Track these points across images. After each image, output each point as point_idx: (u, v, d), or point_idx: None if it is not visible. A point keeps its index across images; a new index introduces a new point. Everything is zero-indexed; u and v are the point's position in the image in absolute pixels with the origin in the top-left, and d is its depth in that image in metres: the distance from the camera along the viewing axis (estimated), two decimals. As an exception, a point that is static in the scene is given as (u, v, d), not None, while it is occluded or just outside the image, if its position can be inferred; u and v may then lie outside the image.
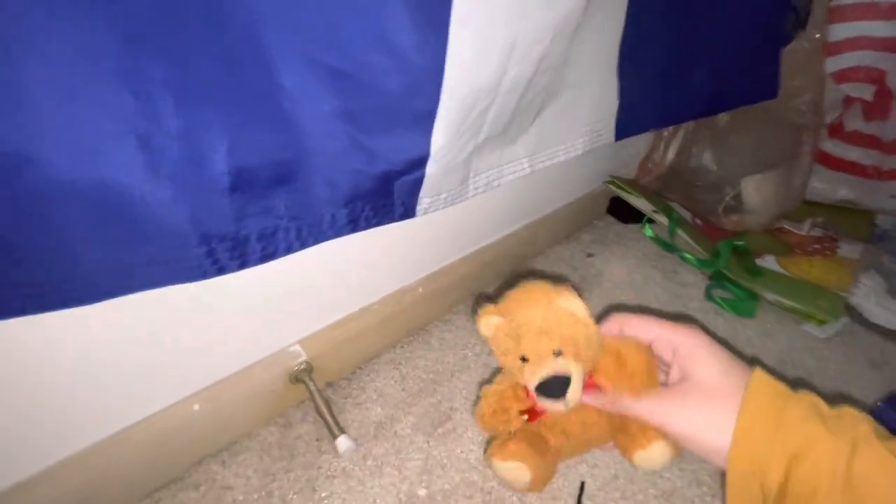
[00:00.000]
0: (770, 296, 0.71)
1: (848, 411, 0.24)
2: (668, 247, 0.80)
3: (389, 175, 0.39)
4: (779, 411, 0.23)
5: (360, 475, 0.42)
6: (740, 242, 0.78)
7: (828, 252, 0.81)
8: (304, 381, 0.46)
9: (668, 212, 0.81)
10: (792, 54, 0.77)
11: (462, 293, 0.64)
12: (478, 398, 0.32)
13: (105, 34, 0.23)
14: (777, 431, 0.23)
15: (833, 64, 0.79)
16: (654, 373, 0.29)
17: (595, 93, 0.58)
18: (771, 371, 0.26)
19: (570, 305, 0.29)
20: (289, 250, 0.37)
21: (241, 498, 0.40)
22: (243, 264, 0.34)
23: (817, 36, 0.78)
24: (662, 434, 0.28)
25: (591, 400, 0.29)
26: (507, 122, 0.47)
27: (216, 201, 0.30)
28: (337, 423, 0.43)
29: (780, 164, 0.84)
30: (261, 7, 0.27)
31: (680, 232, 0.79)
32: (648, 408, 0.27)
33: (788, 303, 0.69)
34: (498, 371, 0.32)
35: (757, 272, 0.74)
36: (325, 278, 0.46)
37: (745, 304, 0.70)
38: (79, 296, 0.28)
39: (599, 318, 0.30)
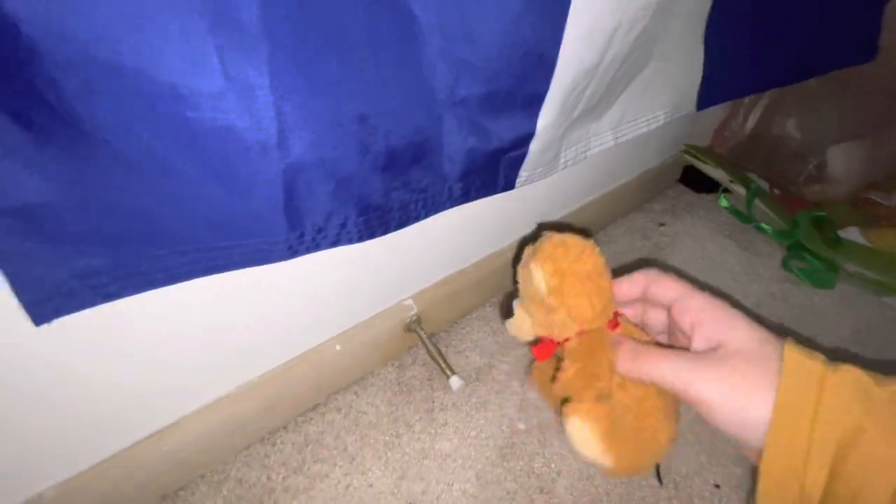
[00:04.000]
0: (851, 267, 0.70)
1: None
2: (744, 217, 0.81)
3: (498, 152, 0.44)
4: (818, 397, 0.20)
5: (468, 409, 0.50)
6: (821, 213, 0.77)
7: (918, 224, 0.78)
8: (415, 331, 0.53)
9: (745, 182, 0.81)
10: (893, 12, 0.73)
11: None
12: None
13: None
14: (816, 424, 0.20)
15: (943, 22, 0.74)
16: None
17: (679, 63, 0.59)
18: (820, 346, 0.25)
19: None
20: (417, 219, 0.43)
21: (374, 420, 0.49)
22: (386, 230, 0.41)
23: (927, -8, 0.72)
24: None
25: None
26: (599, 98, 0.50)
27: (374, 178, 0.37)
28: (449, 365, 0.51)
29: (871, 131, 0.81)
30: (416, 13, 0.33)
31: (757, 202, 0.79)
32: (674, 368, 0.24)
33: (871, 274, 0.69)
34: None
35: (838, 243, 0.74)
36: (432, 244, 0.52)
37: (823, 274, 0.71)
38: (272, 256, 0.36)
39: (631, 269, 0.30)
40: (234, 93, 0.26)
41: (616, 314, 0.29)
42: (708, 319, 0.24)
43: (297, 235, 0.35)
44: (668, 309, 0.27)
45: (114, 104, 0.24)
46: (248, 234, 0.33)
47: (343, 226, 0.37)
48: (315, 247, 0.37)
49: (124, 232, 0.29)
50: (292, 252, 0.36)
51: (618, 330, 0.29)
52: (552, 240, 0.30)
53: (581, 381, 0.27)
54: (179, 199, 0.29)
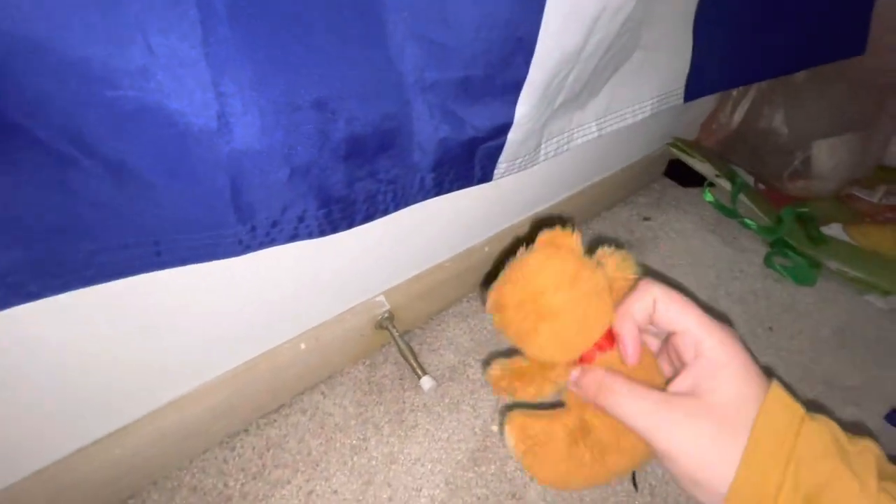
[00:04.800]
0: (833, 264, 0.70)
1: (868, 446, 0.21)
2: (729, 212, 0.80)
3: (474, 142, 0.42)
4: (793, 439, 0.20)
5: (439, 411, 0.48)
6: (805, 209, 0.76)
7: (900, 221, 0.78)
8: (387, 328, 0.51)
9: (731, 176, 0.80)
10: (884, 6, 0.72)
11: (523, 253, 0.67)
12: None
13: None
14: (789, 464, 0.19)
15: (934, 17, 0.73)
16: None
17: (668, 52, 0.57)
18: (788, 385, 0.21)
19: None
20: (385, 212, 0.40)
21: (341, 423, 0.47)
22: (351, 224, 0.38)
23: (919, -15, 0.71)
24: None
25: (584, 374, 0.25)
26: (583, 87, 0.48)
27: (335, 168, 0.34)
28: (420, 365, 0.48)
29: (858, 127, 0.80)
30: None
31: (742, 197, 0.78)
32: (642, 409, 0.22)
33: (852, 272, 0.69)
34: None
35: (821, 240, 0.73)
36: (405, 238, 0.50)
37: (805, 271, 0.70)
38: (221, 252, 0.33)
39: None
40: (160, 69, 0.23)
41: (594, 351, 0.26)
42: (702, 363, 0.22)
43: (248, 229, 0.32)
44: (670, 334, 0.24)
45: (18, 80, 0.21)
46: (194, 228, 0.30)
47: (301, 219, 0.34)
48: (270, 241, 0.34)
49: (45, 225, 0.26)
50: (244, 247, 0.33)
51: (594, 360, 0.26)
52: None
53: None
54: (108, 188, 0.26)
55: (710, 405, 0.21)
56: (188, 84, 0.24)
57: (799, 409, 0.21)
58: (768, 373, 0.22)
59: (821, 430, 0.20)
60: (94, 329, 0.33)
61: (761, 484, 0.19)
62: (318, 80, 0.30)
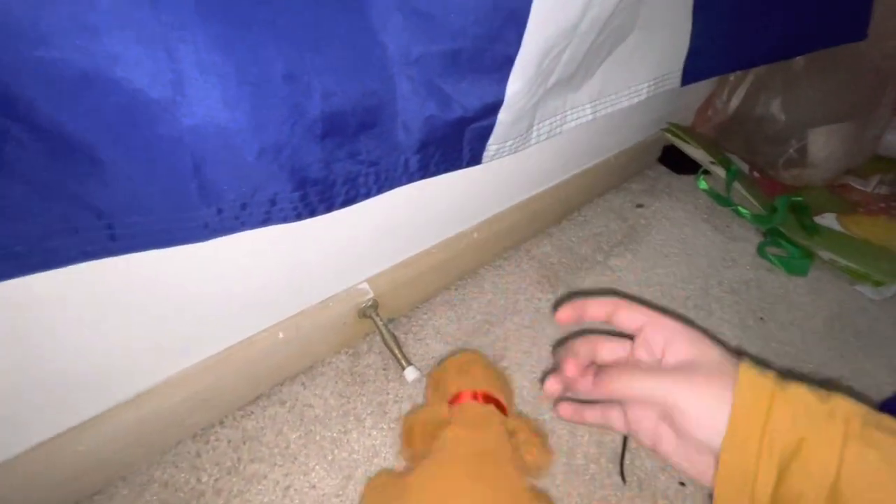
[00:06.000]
0: (826, 254, 0.69)
1: (840, 403, 0.23)
2: (723, 200, 0.78)
3: (462, 121, 0.39)
4: (767, 411, 0.23)
5: (423, 402, 0.47)
6: (799, 198, 0.75)
7: (893, 211, 0.77)
8: (370, 317, 0.49)
9: (726, 164, 0.78)
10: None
11: (514, 240, 0.65)
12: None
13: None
14: (765, 434, 0.22)
15: (937, 2, 0.71)
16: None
17: (666, 33, 0.55)
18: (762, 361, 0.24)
19: None
20: (367, 195, 0.38)
21: (321, 414, 0.45)
22: (329, 207, 0.36)
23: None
24: None
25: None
26: (577, 66, 0.46)
27: (311, 147, 0.32)
28: (404, 355, 0.47)
29: (855, 115, 0.78)
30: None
31: (737, 185, 0.76)
32: (656, 383, 0.26)
33: (844, 262, 0.68)
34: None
35: (814, 230, 0.72)
36: (390, 222, 0.48)
37: (798, 261, 0.69)
38: (184, 236, 0.30)
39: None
40: (103, 29, 0.20)
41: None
42: (680, 339, 0.27)
43: (213, 212, 0.30)
44: (639, 331, 0.28)
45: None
46: (152, 210, 0.28)
47: (273, 202, 0.32)
48: (240, 225, 0.32)
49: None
50: (210, 231, 0.30)
51: None
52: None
53: None
54: (51, 165, 0.23)
55: (703, 369, 0.25)
56: (137, 47, 0.21)
57: (770, 380, 0.24)
58: (760, 365, 0.25)
59: (790, 399, 0.23)
60: (58, 315, 0.31)
61: (745, 454, 0.22)
62: (290, 48, 0.28)
